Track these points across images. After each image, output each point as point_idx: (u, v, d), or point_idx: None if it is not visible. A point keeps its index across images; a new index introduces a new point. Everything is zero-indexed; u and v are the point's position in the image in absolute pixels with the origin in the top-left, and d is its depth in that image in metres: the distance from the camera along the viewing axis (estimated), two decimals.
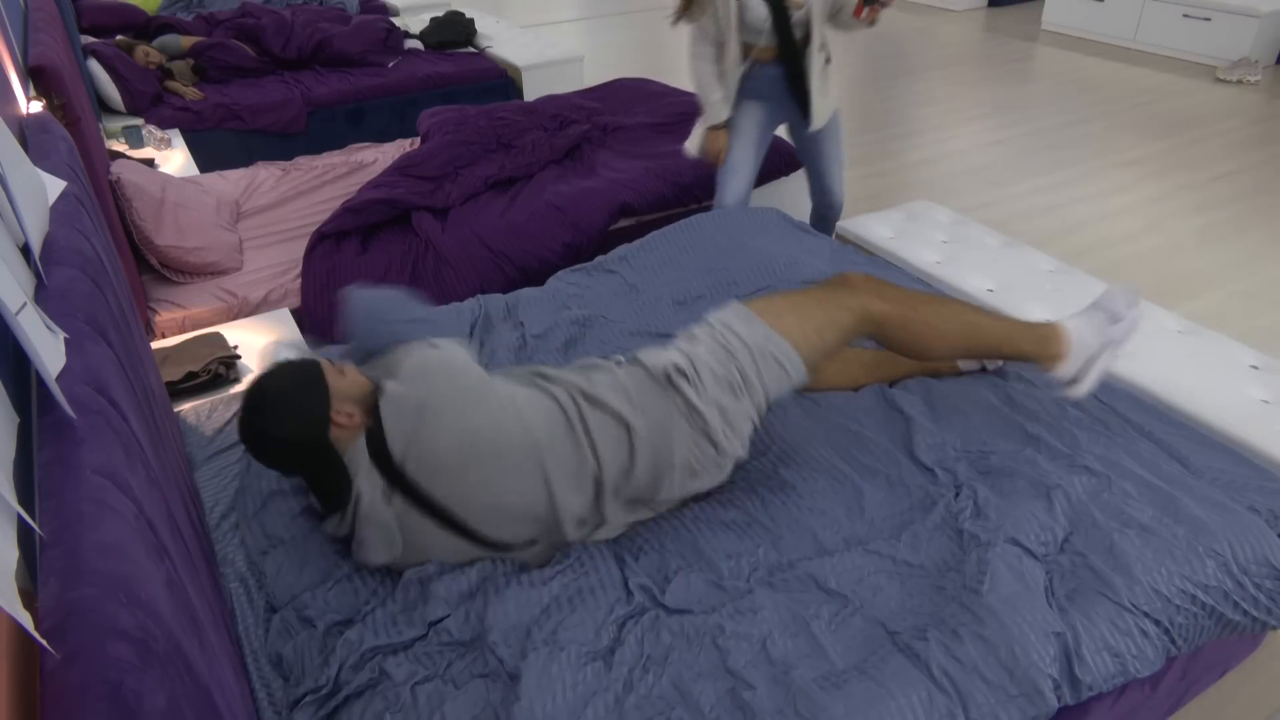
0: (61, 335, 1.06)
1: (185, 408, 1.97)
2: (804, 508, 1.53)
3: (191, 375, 2.06)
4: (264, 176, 3.20)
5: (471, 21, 4.98)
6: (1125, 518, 1.45)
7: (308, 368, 1.41)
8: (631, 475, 1.45)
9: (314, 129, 4.16)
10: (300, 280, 2.60)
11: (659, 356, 1.51)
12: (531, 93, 4.58)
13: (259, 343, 2.28)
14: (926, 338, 1.59)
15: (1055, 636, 1.29)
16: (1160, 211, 3.75)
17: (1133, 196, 3.89)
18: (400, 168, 3.04)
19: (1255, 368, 1.97)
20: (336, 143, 3.93)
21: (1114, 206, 3.81)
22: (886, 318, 1.56)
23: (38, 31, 2.32)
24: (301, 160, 3.42)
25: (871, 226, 2.71)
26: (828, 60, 2.59)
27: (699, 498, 1.57)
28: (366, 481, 1.37)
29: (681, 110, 3.56)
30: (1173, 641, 1.34)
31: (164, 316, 2.45)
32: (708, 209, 2.79)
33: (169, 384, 2.03)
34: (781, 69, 2.58)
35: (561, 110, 3.58)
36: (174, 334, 2.43)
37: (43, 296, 1.15)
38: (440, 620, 1.36)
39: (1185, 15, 5.63)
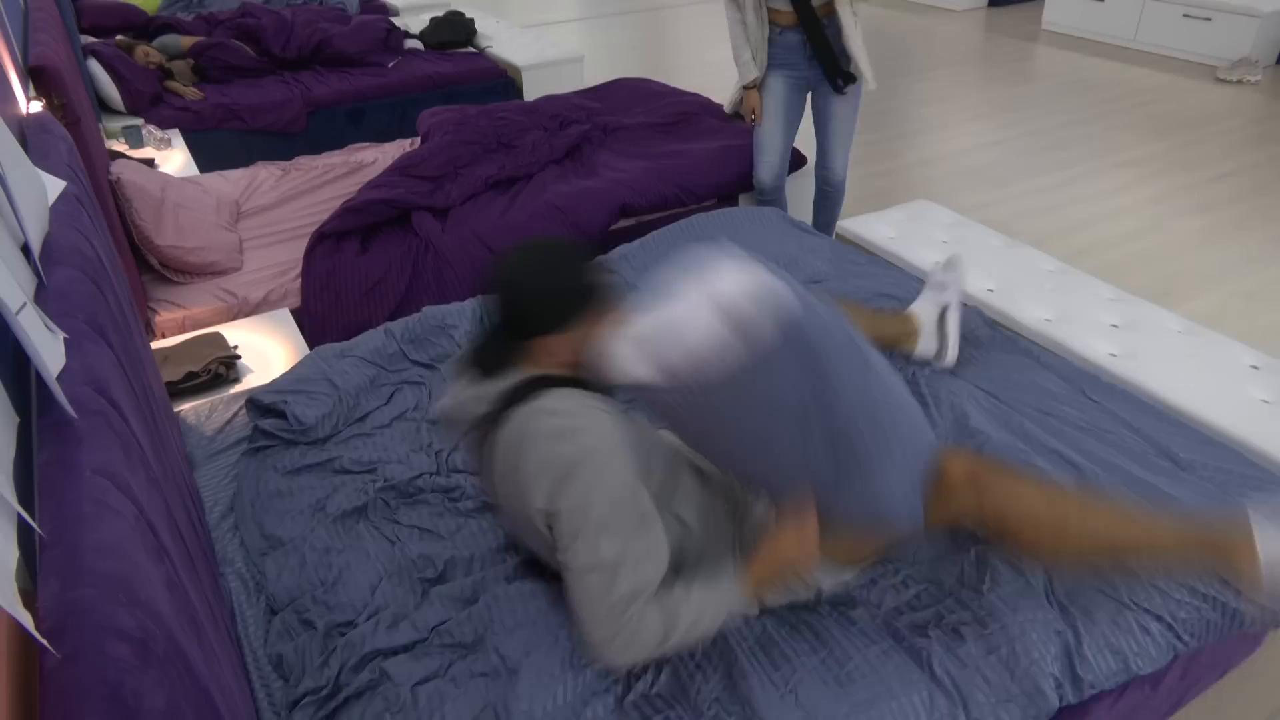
0: (61, 335, 1.06)
1: (185, 408, 1.97)
2: None
3: (191, 375, 2.06)
4: (264, 176, 3.20)
5: (471, 21, 4.98)
6: None
7: None
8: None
9: (314, 129, 4.16)
10: (300, 280, 2.60)
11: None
12: (531, 93, 4.58)
13: (259, 343, 2.28)
14: (1036, 549, 1.32)
15: (1056, 635, 1.29)
16: (1160, 211, 3.75)
17: (1133, 196, 3.89)
18: (400, 168, 3.04)
19: (1255, 368, 1.96)
20: (336, 143, 3.92)
21: (1114, 206, 3.81)
22: (983, 526, 1.33)
23: (38, 31, 2.32)
24: (301, 160, 3.42)
25: (872, 226, 2.71)
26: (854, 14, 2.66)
27: None
28: None
29: (682, 110, 3.56)
30: (1179, 638, 1.34)
31: (164, 316, 2.45)
32: (708, 209, 2.79)
33: (169, 384, 2.03)
34: (801, 35, 2.69)
35: (561, 110, 3.58)
36: (174, 334, 2.43)
37: (43, 296, 1.15)
38: (442, 624, 1.36)
39: (1185, 15, 5.63)
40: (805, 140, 3.10)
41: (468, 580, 1.43)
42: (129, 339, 1.43)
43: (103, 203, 2.23)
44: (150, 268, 2.58)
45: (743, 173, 3.12)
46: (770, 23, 2.73)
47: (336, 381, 1.93)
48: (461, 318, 2.20)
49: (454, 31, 4.89)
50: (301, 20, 4.59)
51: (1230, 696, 1.68)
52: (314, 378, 1.94)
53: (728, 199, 3.23)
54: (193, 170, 3.35)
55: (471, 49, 4.90)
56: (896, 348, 1.90)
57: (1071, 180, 4.08)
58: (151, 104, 3.91)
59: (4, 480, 0.77)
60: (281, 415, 1.84)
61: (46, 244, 1.29)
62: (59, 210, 1.41)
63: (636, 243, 2.51)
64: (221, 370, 2.10)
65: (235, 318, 2.50)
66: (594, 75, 4.95)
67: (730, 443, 1.23)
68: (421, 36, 4.89)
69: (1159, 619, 1.33)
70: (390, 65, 4.52)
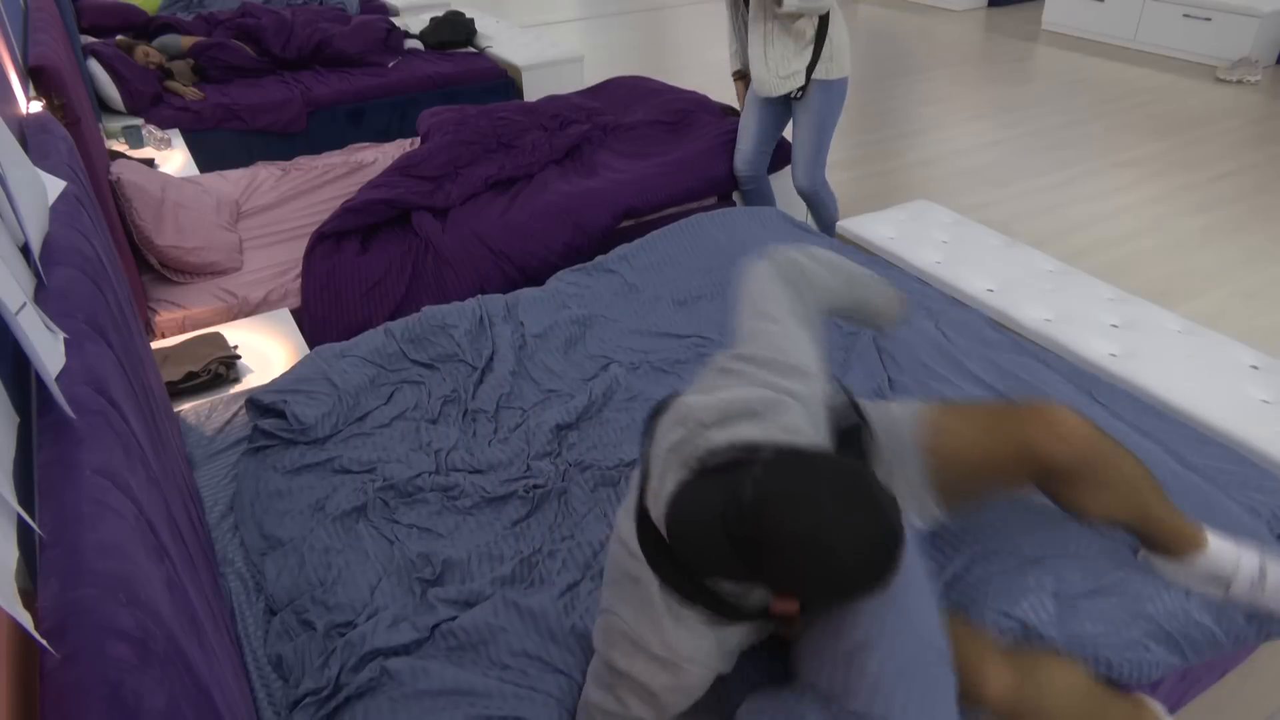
0: (61, 335, 1.06)
1: (185, 408, 1.97)
2: None
3: (191, 375, 2.06)
4: (264, 176, 3.20)
5: (471, 21, 4.98)
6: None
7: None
8: None
9: (314, 129, 4.16)
10: (300, 280, 2.60)
11: None
12: (531, 93, 4.58)
13: (259, 343, 2.28)
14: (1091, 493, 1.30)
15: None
16: (1160, 211, 3.75)
17: (1133, 196, 3.89)
18: (400, 168, 3.04)
19: (1255, 368, 1.96)
20: (336, 143, 3.92)
21: (1114, 206, 3.81)
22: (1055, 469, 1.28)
23: (38, 31, 2.32)
24: (301, 160, 3.42)
25: (872, 226, 2.71)
26: (784, 29, 2.70)
27: None
28: None
29: (681, 108, 3.55)
30: (1183, 655, 1.31)
31: (164, 316, 2.45)
32: (708, 209, 2.79)
33: (169, 384, 2.03)
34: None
35: (561, 110, 3.58)
36: (174, 334, 2.43)
37: (43, 296, 1.15)
38: (443, 624, 1.36)
39: (1185, 15, 5.63)
40: None
41: (472, 583, 1.43)
42: (129, 339, 1.43)
43: (103, 203, 2.23)
44: (150, 268, 2.58)
45: None
46: (745, 24, 2.86)
47: (336, 381, 1.93)
48: (461, 317, 2.20)
49: (454, 31, 4.89)
50: (301, 20, 4.59)
51: (1230, 697, 1.67)
52: (314, 377, 1.94)
53: (726, 198, 3.24)
54: (193, 170, 3.35)
55: (471, 49, 4.90)
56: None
57: (1071, 180, 4.08)
58: (151, 104, 3.91)
59: (4, 480, 0.77)
60: (281, 415, 1.84)
61: (46, 244, 1.29)
62: (59, 210, 1.41)
63: (636, 242, 2.51)
64: (221, 370, 2.10)
65: (235, 318, 2.50)
66: (594, 75, 4.94)
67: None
68: (421, 36, 4.89)
69: (1160, 630, 1.31)
70: (390, 65, 4.52)
